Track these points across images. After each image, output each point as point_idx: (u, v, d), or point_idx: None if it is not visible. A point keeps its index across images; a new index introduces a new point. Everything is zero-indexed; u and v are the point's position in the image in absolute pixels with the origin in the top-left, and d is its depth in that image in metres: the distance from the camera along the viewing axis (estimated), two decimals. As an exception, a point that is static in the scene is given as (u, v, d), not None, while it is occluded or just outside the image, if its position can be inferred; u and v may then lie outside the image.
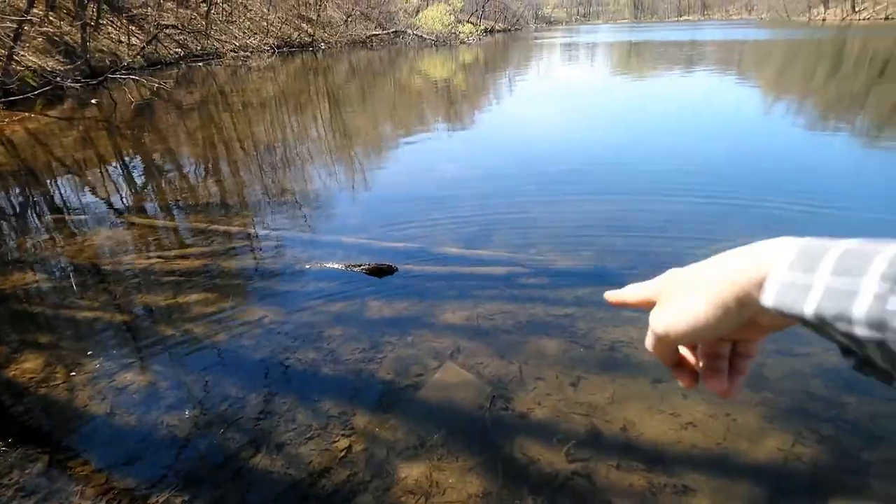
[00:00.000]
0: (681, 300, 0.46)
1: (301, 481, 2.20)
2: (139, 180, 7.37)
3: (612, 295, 0.56)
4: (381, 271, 4.01)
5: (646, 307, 0.51)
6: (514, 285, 3.76)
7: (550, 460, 2.24)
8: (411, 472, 2.22)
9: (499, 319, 3.33)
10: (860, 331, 0.34)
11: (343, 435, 2.44)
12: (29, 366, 3.09)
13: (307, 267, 4.20)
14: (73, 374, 3.01)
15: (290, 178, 7.29)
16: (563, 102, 12.93)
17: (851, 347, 0.37)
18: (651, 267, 3.90)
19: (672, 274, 0.49)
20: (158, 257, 4.55)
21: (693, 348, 0.53)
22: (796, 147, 7.64)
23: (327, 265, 4.18)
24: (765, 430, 2.34)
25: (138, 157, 8.30)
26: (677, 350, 0.52)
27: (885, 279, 0.33)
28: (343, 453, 2.34)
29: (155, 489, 2.21)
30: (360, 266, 4.06)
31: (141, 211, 6.02)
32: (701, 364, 0.51)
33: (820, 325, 0.37)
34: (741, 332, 0.46)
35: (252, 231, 5.13)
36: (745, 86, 14.21)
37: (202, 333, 3.35)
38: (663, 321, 0.47)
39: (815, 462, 2.16)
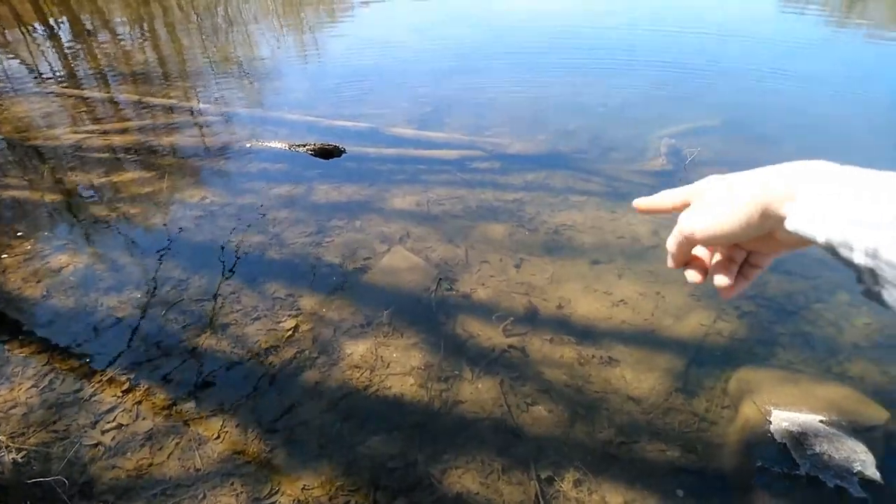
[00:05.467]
0: (714, 205, 0.50)
1: (247, 359, 2.25)
2: (67, 45, 6.57)
3: (642, 202, 0.58)
4: (327, 153, 3.83)
5: (678, 212, 0.55)
6: (466, 170, 3.68)
7: (489, 336, 2.35)
8: (357, 349, 2.30)
9: (448, 204, 3.29)
10: (858, 258, 0.39)
11: (290, 316, 2.47)
12: (-49, 248, 2.91)
13: (249, 146, 3.97)
14: (4, 256, 2.87)
15: (231, 44, 6.64)
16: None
17: (857, 274, 0.41)
18: (601, 151, 3.87)
19: (712, 180, 0.53)
20: (89, 131, 4.20)
21: (711, 250, 0.57)
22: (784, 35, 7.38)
23: (270, 144, 3.96)
24: (691, 307, 2.50)
25: (64, 18, 7.32)
26: (690, 251, 0.56)
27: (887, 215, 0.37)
28: (290, 333, 2.38)
29: (96, 367, 2.23)
30: (305, 146, 3.86)
31: (71, 79, 5.44)
32: (714, 262, 0.56)
33: (830, 250, 0.42)
34: (759, 243, 0.52)
35: (190, 104, 4.74)
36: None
37: (139, 214, 3.21)
38: (692, 222, 0.51)
39: (733, 335, 2.35)
